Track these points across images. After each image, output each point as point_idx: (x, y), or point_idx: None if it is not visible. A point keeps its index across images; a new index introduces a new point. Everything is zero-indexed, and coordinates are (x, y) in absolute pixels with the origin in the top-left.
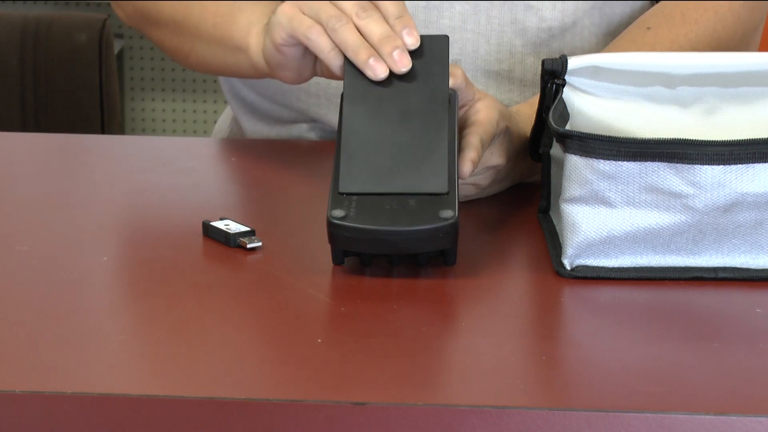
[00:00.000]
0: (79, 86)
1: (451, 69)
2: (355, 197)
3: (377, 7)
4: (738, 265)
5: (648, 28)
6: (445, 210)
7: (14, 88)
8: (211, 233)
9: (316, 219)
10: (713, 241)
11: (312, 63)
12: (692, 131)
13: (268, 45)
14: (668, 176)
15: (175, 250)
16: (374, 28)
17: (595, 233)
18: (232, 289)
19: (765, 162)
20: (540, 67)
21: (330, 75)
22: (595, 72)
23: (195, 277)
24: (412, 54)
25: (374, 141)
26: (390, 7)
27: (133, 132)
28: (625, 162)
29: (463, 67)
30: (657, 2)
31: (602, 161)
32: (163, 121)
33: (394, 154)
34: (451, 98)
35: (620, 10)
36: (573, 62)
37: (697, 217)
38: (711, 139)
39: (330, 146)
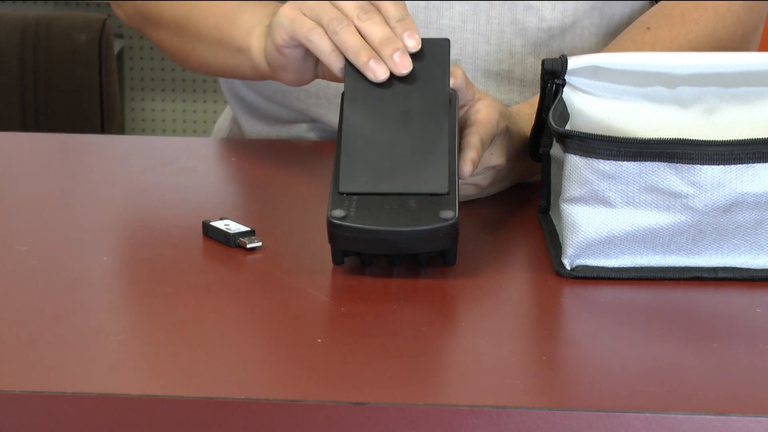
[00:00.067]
0: (79, 86)
1: (451, 69)
2: (355, 197)
3: (378, 10)
4: (738, 265)
5: (648, 28)
6: (445, 210)
7: (14, 88)
8: (211, 233)
9: (316, 219)
10: (713, 241)
11: (313, 65)
12: (692, 131)
13: (269, 46)
14: (668, 176)
15: (175, 250)
16: (375, 30)
17: (595, 233)
18: (232, 289)
19: (765, 162)
20: (540, 67)
21: (331, 77)
22: (595, 72)
23: (195, 277)
24: (413, 57)
25: (374, 141)
26: (391, 10)
27: (133, 132)
28: (625, 162)
29: (463, 67)
30: (657, 2)
31: (602, 161)
32: (163, 121)
33: (395, 154)
34: (451, 98)
35: (620, 10)
36: (573, 62)
37: (697, 217)
38: (711, 139)
39: (330, 146)
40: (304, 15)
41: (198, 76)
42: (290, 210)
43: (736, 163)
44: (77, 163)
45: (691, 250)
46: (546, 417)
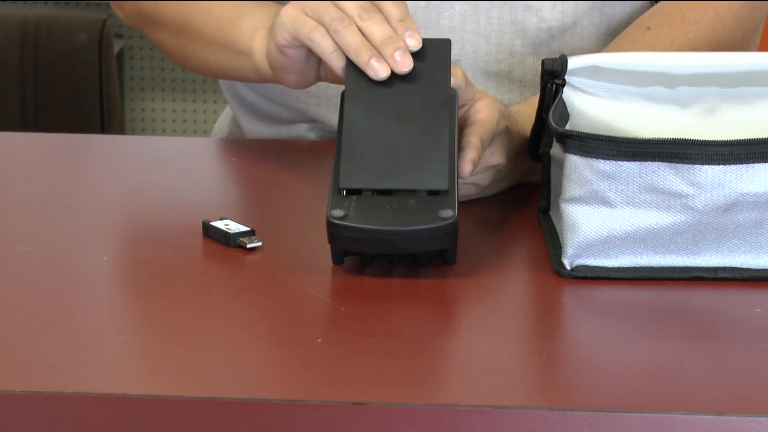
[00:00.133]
0: (79, 86)
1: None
2: (355, 197)
3: (380, 9)
4: (738, 265)
5: (648, 28)
6: (444, 210)
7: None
8: (211, 233)
9: (316, 219)
10: (713, 241)
11: (316, 66)
12: (692, 131)
13: (271, 47)
14: (668, 176)
15: (175, 250)
16: (376, 29)
17: (595, 233)
18: (232, 289)
19: (765, 162)
20: (540, 67)
21: (334, 79)
22: (595, 72)
23: (195, 277)
24: (414, 56)
25: (375, 139)
26: (392, 10)
27: (133, 132)
28: (625, 162)
29: (463, 67)
30: (657, 2)
31: (602, 161)
32: (163, 121)
33: (395, 151)
34: (451, 98)
35: (620, 10)
36: (573, 62)
37: (697, 217)
38: (711, 139)
39: (330, 146)
40: (306, 15)
41: (198, 76)
42: (290, 210)
43: (736, 163)
44: (77, 163)
45: (691, 250)
46: (546, 417)
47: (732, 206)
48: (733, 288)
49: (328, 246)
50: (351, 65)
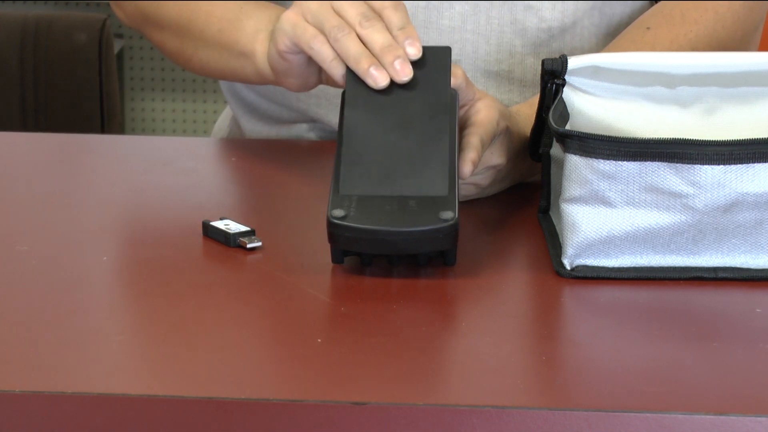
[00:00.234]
0: (79, 86)
1: (451, 69)
2: (355, 197)
3: (380, 16)
4: (738, 265)
5: (648, 28)
6: (445, 211)
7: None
8: (211, 233)
9: (316, 219)
10: (713, 241)
11: (317, 70)
12: (692, 131)
13: (272, 51)
14: (668, 176)
15: (175, 250)
16: (377, 37)
17: (595, 233)
18: (232, 289)
19: (765, 162)
20: (540, 67)
21: (335, 84)
22: (595, 72)
23: (195, 277)
24: (414, 64)
25: (375, 145)
26: (393, 17)
27: (133, 132)
28: (625, 162)
29: (463, 67)
30: (657, 2)
31: (602, 161)
32: (163, 121)
33: (395, 158)
34: (452, 99)
35: (620, 10)
36: (573, 62)
37: (697, 216)
38: (711, 139)
39: (330, 146)
40: (307, 22)
41: (198, 77)
42: (290, 210)
43: (736, 163)
44: (77, 163)
45: (691, 250)
46: (546, 417)
47: (732, 206)
48: (733, 288)
49: (328, 246)
50: (351, 72)
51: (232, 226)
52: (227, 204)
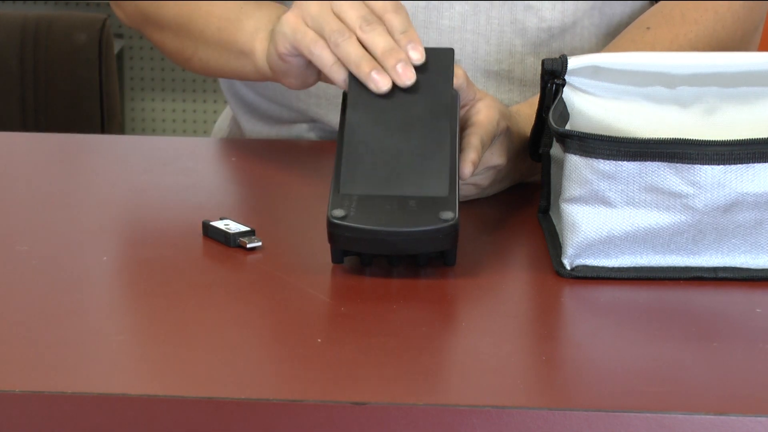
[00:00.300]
0: (79, 86)
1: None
2: (355, 197)
3: (381, 20)
4: (738, 265)
5: (648, 28)
6: (445, 211)
7: (14, 88)
8: (211, 233)
9: (316, 219)
10: (713, 240)
11: (316, 71)
12: (692, 131)
13: (272, 53)
14: (668, 176)
15: (175, 250)
16: (378, 41)
17: (595, 233)
18: (232, 289)
19: (765, 162)
20: (540, 67)
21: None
22: (595, 72)
23: (195, 277)
24: (417, 66)
25: (376, 146)
26: (395, 21)
27: (133, 132)
28: (625, 162)
29: (463, 67)
30: (657, 2)
31: (602, 161)
32: (163, 121)
33: (395, 158)
34: (453, 100)
35: (620, 10)
36: (573, 62)
37: (697, 216)
38: (711, 139)
39: (330, 146)
40: (307, 25)
41: (198, 76)
42: (290, 210)
43: (736, 163)
44: (77, 163)
45: (691, 250)
46: (546, 417)
47: (732, 206)
48: (733, 288)
49: (328, 246)
50: (353, 77)
51: (232, 226)
52: (227, 204)
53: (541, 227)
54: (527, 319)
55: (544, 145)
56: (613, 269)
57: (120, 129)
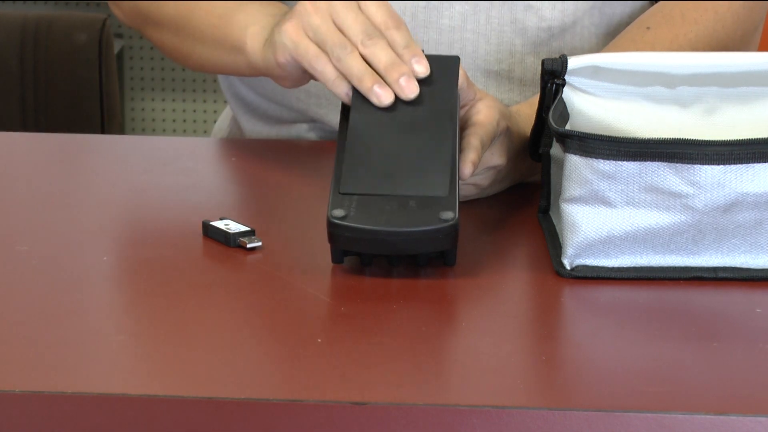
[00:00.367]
0: (79, 86)
1: None
2: (355, 197)
3: (382, 34)
4: (738, 265)
5: (648, 28)
6: (445, 211)
7: (14, 88)
8: (211, 233)
9: (316, 219)
10: (713, 240)
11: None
12: (692, 131)
13: (270, 58)
14: (668, 176)
15: (175, 250)
16: (381, 55)
17: (595, 233)
18: (232, 289)
19: (765, 162)
20: (540, 67)
21: None
22: (595, 72)
23: (195, 277)
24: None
25: (376, 145)
26: (397, 36)
27: (133, 132)
28: (625, 162)
29: (463, 66)
30: (657, 2)
31: (602, 161)
32: (163, 121)
33: (395, 157)
34: (454, 103)
35: (620, 10)
36: (573, 62)
37: (697, 216)
38: (711, 139)
39: (330, 146)
40: (308, 38)
41: (198, 76)
42: (290, 210)
43: (736, 163)
44: (77, 163)
45: (691, 250)
46: (546, 417)
47: (732, 206)
48: (733, 288)
49: (328, 246)
50: (356, 90)
51: (232, 226)
52: (227, 204)
53: (541, 227)
54: (527, 319)
55: (544, 145)
56: (613, 269)
57: (120, 129)
